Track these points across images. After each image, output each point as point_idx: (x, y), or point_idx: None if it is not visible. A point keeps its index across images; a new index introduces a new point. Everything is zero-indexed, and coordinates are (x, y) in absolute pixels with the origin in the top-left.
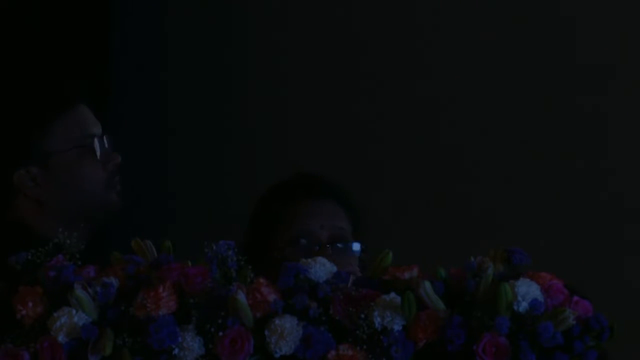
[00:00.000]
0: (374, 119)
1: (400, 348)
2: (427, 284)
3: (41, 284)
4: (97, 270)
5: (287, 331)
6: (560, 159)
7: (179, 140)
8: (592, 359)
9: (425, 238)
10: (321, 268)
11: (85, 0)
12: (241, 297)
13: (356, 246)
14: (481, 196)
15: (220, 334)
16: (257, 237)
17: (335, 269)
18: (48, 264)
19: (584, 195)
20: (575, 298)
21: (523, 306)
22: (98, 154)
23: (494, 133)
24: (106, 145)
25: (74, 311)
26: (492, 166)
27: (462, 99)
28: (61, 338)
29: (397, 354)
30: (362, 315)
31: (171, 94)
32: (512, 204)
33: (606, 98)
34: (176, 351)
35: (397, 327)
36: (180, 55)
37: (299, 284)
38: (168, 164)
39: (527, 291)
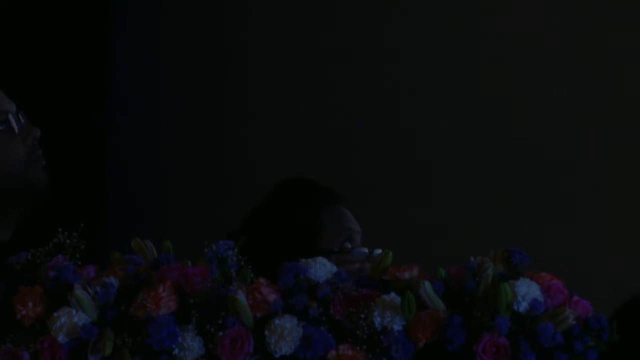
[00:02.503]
0: (370, 119)
1: (400, 348)
2: (427, 284)
3: (41, 284)
4: (97, 270)
5: (287, 331)
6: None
7: (178, 140)
8: (592, 359)
9: (425, 238)
10: (321, 268)
11: None
12: (241, 297)
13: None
14: (484, 198)
15: (220, 334)
16: (299, 243)
17: (335, 269)
18: (48, 264)
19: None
20: (575, 298)
21: (523, 306)
22: (16, 129)
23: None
24: (23, 121)
25: (74, 311)
26: (490, 167)
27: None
28: (61, 338)
29: (397, 354)
30: (362, 315)
31: (170, 95)
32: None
33: None
34: (176, 351)
35: (397, 327)
36: (177, 59)
37: (299, 284)
38: (167, 164)
39: (527, 291)
